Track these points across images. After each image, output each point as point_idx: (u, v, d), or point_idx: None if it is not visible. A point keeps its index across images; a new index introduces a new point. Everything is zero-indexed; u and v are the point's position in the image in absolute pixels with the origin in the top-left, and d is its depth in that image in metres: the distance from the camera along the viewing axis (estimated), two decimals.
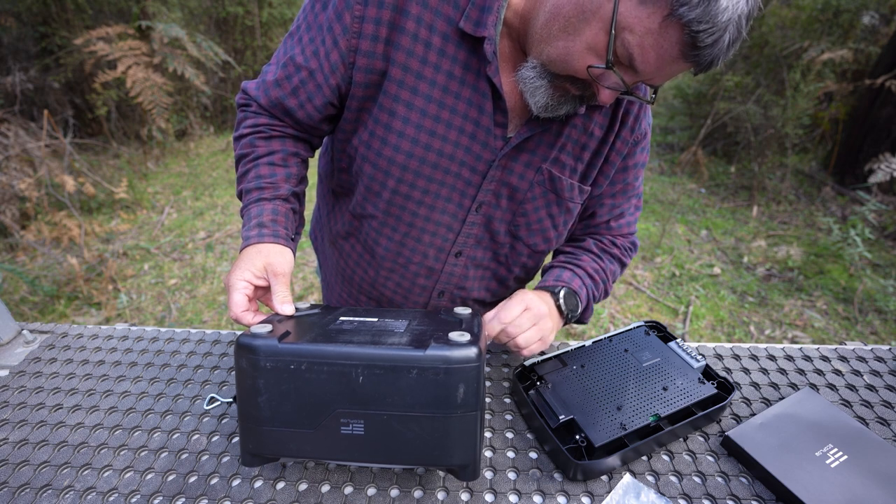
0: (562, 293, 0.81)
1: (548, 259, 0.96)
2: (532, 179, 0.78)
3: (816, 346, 0.89)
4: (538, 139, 0.75)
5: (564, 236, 0.89)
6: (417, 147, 0.73)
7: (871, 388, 0.79)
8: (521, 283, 0.98)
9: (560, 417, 0.67)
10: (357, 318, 0.70)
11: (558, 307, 0.80)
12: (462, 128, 0.73)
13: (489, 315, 0.76)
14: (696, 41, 0.52)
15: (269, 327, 0.59)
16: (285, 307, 0.68)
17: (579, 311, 0.83)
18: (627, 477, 0.65)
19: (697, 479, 0.65)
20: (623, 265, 0.92)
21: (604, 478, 0.65)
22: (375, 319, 0.70)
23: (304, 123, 0.78)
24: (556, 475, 0.66)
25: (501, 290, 0.96)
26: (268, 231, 0.73)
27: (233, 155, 1.00)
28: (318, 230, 1.05)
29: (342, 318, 0.70)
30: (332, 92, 0.73)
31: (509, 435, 0.72)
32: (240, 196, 0.79)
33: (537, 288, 0.84)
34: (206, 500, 0.63)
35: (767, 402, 0.77)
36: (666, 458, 0.68)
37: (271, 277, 0.69)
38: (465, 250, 0.85)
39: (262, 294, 0.72)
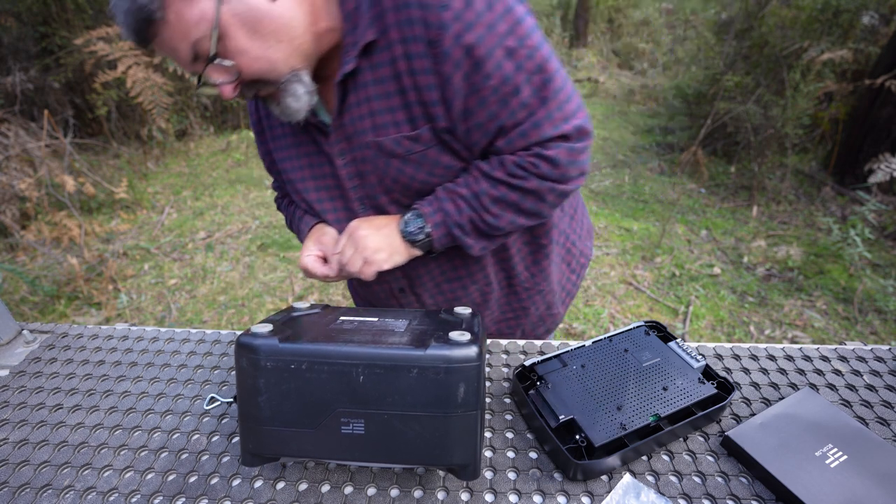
0: (408, 217, 0.77)
1: None
2: (370, 157, 0.77)
3: (816, 346, 0.89)
4: (349, 121, 0.75)
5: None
6: (296, 178, 0.88)
7: (870, 388, 0.79)
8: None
9: (560, 417, 0.67)
10: (357, 318, 0.70)
11: (400, 230, 0.78)
12: (315, 151, 0.83)
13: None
14: None
15: (269, 327, 0.59)
16: (304, 259, 0.85)
17: (422, 235, 0.77)
18: (627, 477, 0.65)
19: (697, 479, 0.65)
20: (520, 189, 0.73)
21: (604, 478, 0.65)
22: (376, 319, 0.70)
23: None
24: (556, 475, 0.66)
25: (463, 272, 0.92)
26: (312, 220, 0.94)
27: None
28: None
29: (342, 318, 0.70)
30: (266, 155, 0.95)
31: (509, 435, 0.72)
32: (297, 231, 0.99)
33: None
34: (206, 500, 0.63)
35: (767, 402, 0.77)
36: (666, 458, 0.68)
37: (312, 242, 0.89)
38: None
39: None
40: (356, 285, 1.07)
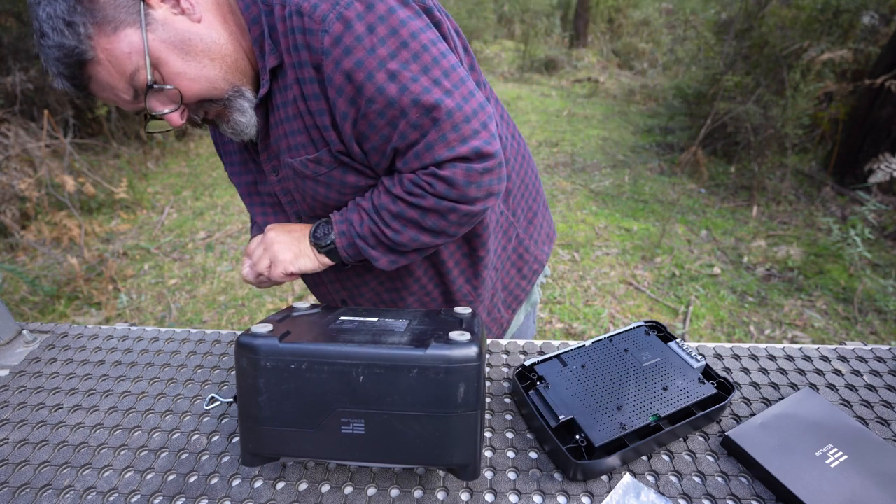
0: (319, 222, 0.81)
1: None
2: (290, 176, 0.80)
3: (816, 346, 0.89)
4: (273, 140, 0.78)
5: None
6: (244, 193, 0.92)
7: (870, 388, 0.79)
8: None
9: (560, 417, 0.67)
10: (357, 318, 0.70)
11: (308, 236, 0.81)
12: (256, 169, 0.87)
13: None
14: None
15: (269, 327, 0.59)
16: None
17: (328, 241, 0.78)
18: (627, 477, 0.65)
19: (697, 479, 0.65)
20: (417, 207, 0.72)
21: (604, 478, 0.65)
22: (375, 319, 0.70)
23: None
24: (556, 475, 0.66)
25: (399, 284, 0.93)
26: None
27: None
28: None
29: (342, 318, 0.70)
30: None
31: (509, 435, 0.72)
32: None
33: None
34: (206, 500, 0.63)
35: (767, 402, 0.77)
36: (666, 458, 0.68)
37: None
38: None
39: None
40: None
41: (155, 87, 0.64)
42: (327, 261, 0.81)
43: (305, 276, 0.95)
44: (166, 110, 0.67)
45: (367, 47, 0.62)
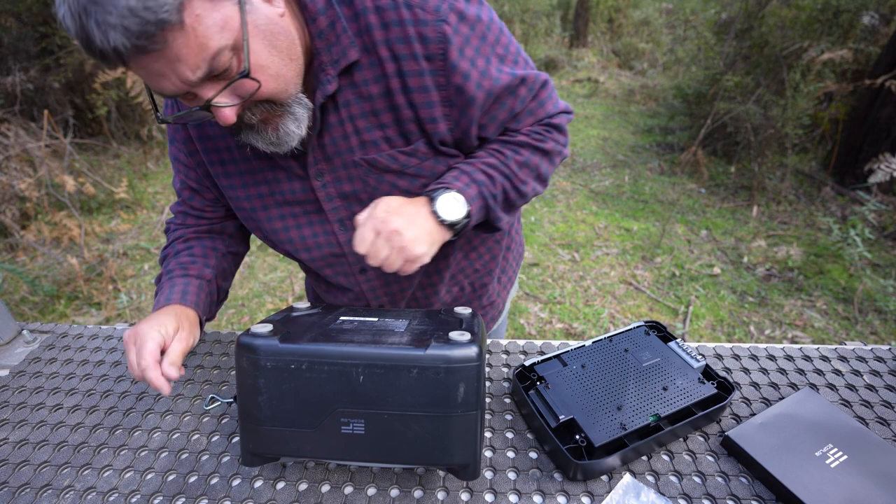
0: (439, 197, 0.69)
1: None
2: (359, 176, 0.74)
3: (816, 346, 0.89)
4: (329, 141, 0.72)
5: None
6: (250, 207, 0.81)
7: (870, 388, 0.79)
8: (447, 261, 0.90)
9: (560, 417, 0.67)
10: (357, 318, 0.70)
11: (433, 213, 0.69)
12: (275, 178, 0.77)
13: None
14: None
15: (269, 327, 0.59)
16: (169, 369, 0.65)
17: (463, 215, 0.70)
18: (627, 477, 0.65)
19: (697, 479, 0.65)
20: (541, 151, 0.77)
21: (604, 478, 0.65)
22: (376, 319, 0.70)
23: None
24: (556, 475, 0.66)
25: (436, 279, 0.91)
26: (191, 298, 0.80)
27: None
28: None
29: (342, 318, 0.70)
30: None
31: (509, 435, 0.72)
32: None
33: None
34: (206, 500, 0.63)
35: (767, 402, 0.77)
36: (666, 458, 0.68)
37: (175, 342, 0.69)
38: (365, 265, 0.84)
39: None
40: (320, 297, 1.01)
41: (246, 76, 0.56)
42: (449, 237, 0.72)
43: (327, 284, 0.92)
44: (228, 102, 0.58)
45: (479, 35, 0.68)
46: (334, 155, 0.73)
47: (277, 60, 0.60)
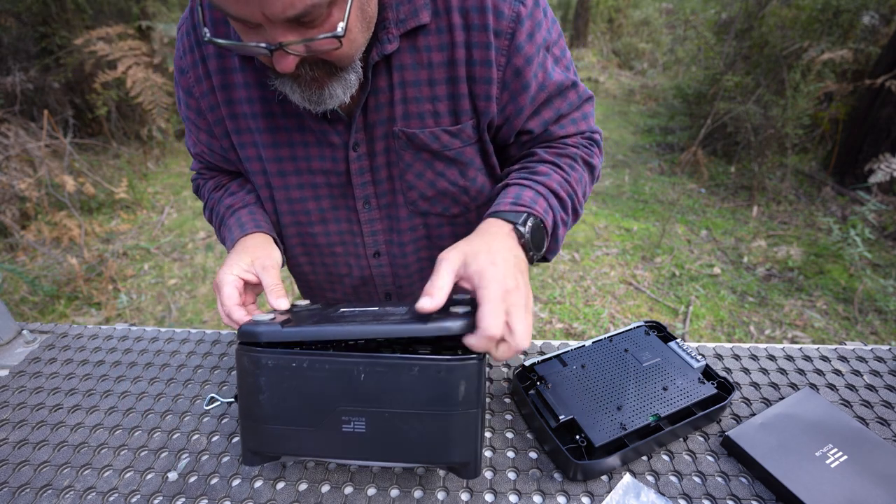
0: (529, 224, 0.62)
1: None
2: (395, 148, 0.70)
3: (816, 346, 0.89)
4: (373, 106, 0.68)
5: (483, 187, 0.78)
6: (262, 170, 0.76)
7: (871, 388, 0.79)
8: None
9: (560, 417, 0.67)
10: (358, 308, 0.70)
11: (523, 245, 0.61)
12: (301, 141, 0.72)
13: (470, 340, 0.52)
14: None
15: (271, 315, 0.60)
16: (280, 301, 0.64)
17: (545, 245, 0.66)
18: (627, 477, 0.65)
19: (697, 479, 0.65)
20: (590, 167, 0.76)
21: (604, 478, 0.65)
22: (376, 308, 0.70)
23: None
24: (556, 475, 0.66)
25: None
26: (249, 226, 0.75)
27: None
28: None
29: (343, 309, 0.70)
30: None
31: (509, 435, 0.72)
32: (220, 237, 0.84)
33: (490, 215, 0.65)
34: (206, 500, 0.63)
35: (767, 402, 0.77)
36: (666, 458, 0.68)
37: (260, 271, 0.67)
38: (380, 248, 0.82)
39: (252, 290, 0.71)
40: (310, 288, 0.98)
41: (336, 35, 0.51)
42: None
43: (327, 274, 0.89)
44: (298, 52, 0.54)
45: (547, 27, 0.69)
46: (375, 123, 0.69)
47: (359, 26, 0.57)
